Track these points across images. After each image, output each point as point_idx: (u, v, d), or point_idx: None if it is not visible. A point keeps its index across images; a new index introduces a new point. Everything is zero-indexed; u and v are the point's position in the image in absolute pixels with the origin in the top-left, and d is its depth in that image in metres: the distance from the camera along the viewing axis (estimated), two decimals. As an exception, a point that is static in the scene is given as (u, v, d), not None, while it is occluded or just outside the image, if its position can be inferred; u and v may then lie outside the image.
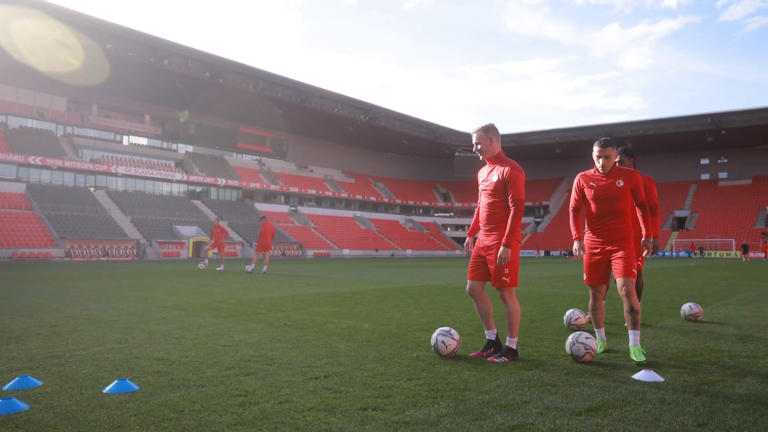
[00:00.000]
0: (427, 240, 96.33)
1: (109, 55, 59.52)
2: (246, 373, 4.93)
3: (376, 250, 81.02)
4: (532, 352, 6.06)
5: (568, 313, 7.90)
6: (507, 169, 5.76)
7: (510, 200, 5.71)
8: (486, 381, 4.71)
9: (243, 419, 3.66)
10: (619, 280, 5.72)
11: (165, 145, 79.66)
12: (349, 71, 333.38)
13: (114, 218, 60.46)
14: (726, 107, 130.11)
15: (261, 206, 79.92)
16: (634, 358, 5.43)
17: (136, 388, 4.38)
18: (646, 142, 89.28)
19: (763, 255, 65.20)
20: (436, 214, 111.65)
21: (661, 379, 4.76)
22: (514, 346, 5.71)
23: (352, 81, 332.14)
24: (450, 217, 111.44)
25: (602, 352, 6.03)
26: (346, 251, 76.35)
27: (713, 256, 76.16)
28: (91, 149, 69.84)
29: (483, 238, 5.93)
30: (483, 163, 6.09)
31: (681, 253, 79.34)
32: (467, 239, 6.28)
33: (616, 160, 6.08)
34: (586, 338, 5.51)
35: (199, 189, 77.35)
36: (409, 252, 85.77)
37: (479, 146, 5.92)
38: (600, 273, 6.02)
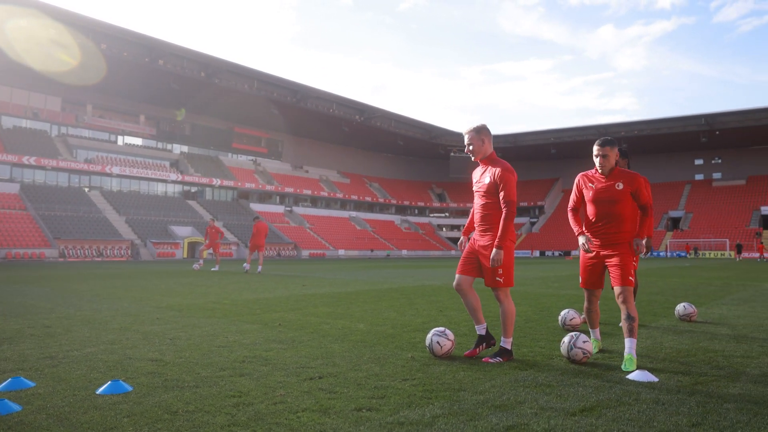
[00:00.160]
0: (422, 240, 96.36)
1: (104, 55, 59.36)
2: (240, 374, 4.92)
3: (372, 251, 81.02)
4: (527, 352, 6.06)
5: (563, 313, 7.90)
6: (498, 170, 5.75)
7: (502, 201, 5.70)
8: (481, 381, 4.71)
9: (237, 420, 3.65)
10: (616, 289, 5.59)
11: (160, 145, 79.52)
12: (344, 71, 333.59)
13: (108, 218, 60.33)
14: (720, 108, 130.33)
15: (256, 206, 79.85)
16: (623, 367, 5.21)
17: (130, 389, 4.37)
18: (640, 143, 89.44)
19: (757, 255, 65.37)
20: (432, 215, 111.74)
21: (656, 379, 4.77)
22: (508, 347, 5.70)
23: (348, 81, 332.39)
24: (445, 217, 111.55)
25: (597, 353, 6.03)
26: (341, 252, 76.32)
27: (707, 256, 76.33)
28: (86, 149, 69.68)
29: (478, 238, 5.92)
30: (477, 164, 6.08)
31: (682, 254, 79.43)
32: (461, 238, 6.27)
33: (617, 160, 5.97)
34: (584, 342, 5.47)
35: (194, 189, 77.28)
36: (404, 252, 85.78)
37: (471, 147, 5.91)
38: (595, 277, 5.93)
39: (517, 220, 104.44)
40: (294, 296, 12.60)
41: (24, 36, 54.39)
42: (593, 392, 4.38)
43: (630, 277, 5.56)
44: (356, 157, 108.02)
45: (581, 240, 6.03)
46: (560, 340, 5.99)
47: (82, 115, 70.62)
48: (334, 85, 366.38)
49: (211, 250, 27.15)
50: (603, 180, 5.81)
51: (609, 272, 5.74)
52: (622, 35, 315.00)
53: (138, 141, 76.98)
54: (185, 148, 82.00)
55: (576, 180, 6.13)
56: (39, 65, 57.70)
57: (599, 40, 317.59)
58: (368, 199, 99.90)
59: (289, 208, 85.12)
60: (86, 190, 66.18)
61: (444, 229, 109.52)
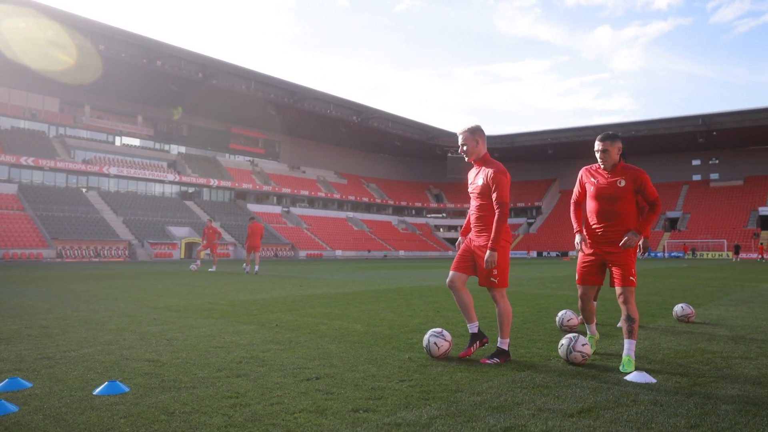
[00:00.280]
0: (419, 241, 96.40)
1: (102, 55, 59.38)
2: (237, 375, 4.91)
3: (369, 251, 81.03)
4: (525, 353, 6.05)
5: (560, 314, 7.89)
6: (491, 171, 5.73)
7: (494, 203, 5.69)
8: (478, 382, 4.70)
9: (234, 421, 3.64)
10: (617, 289, 5.52)
11: (157, 145, 79.54)
12: (341, 72, 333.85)
13: (106, 219, 60.32)
14: (717, 108, 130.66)
15: (253, 207, 79.88)
16: (621, 369, 5.18)
17: (127, 389, 4.36)
18: (637, 143, 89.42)
19: (755, 256, 65.47)
20: (429, 215, 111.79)
21: (654, 381, 4.76)
22: (505, 347, 5.68)
23: (345, 82, 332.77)
24: (442, 217, 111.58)
25: (594, 352, 6.01)
26: (338, 252, 76.33)
27: (705, 256, 76.38)
28: (84, 150, 69.69)
29: (474, 238, 5.92)
30: (473, 165, 6.07)
31: (680, 255, 79.48)
32: (459, 239, 6.27)
33: (619, 155, 5.83)
34: (583, 345, 5.45)
35: (191, 190, 77.28)
36: (401, 253, 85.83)
37: (465, 148, 5.90)
38: (592, 274, 5.81)
39: (515, 220, 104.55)
40: (291, 297, 12.59)
41: (22, 36, 54.38)
42: (591, 393, 4.37)
43: (631, 278, 5.49)
44: (353, 158, 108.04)
45: (577, 239, 5.98)
46: (558, 341, 5.98)
47: (80, 116, 70.59)
48: (332, 86, 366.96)
49: (208, 251, 27.14)
50: (606, 176, 5.68)
51: (610, 272, 5.66)
52: (618, 36, 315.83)
53: (135, 142, 77.00)
54: (183, 149, 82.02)
55: (579, 174, 6.01)
56: (37, 66, 57.67)
57: (596, 40, 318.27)
58: (365, 199, 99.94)
59: (286, 209, 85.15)
60: (84, 190, 66.18)
61: (441, 229, 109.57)
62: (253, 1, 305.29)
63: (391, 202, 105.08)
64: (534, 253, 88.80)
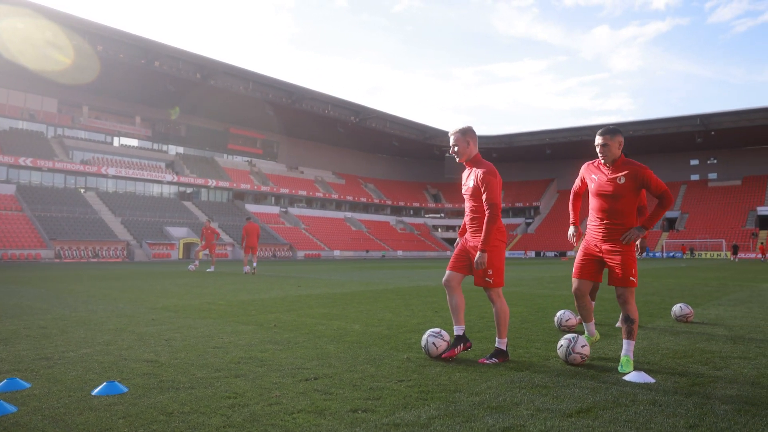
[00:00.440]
0: (417, 241, 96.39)
1: (99, 56, 59.33)
2: (236, 375, 4.91)
3: (367, 251, 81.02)
4: (523, 353, 6.05)
5: (558, 314, 7.88)
6: (480, 173, 5.73)
7: (485, 204, 5.69)
8: (477, 382, 4.70)
9: (232, 421, 3.64)
10: (617, 289, 5.46)
11: (155, 146, 79.48)
12: (340, 73, 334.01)
13: (104, 219, 60.27)
14: (715, 108, 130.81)
15: (251, 207, 79.85)
16: (620, 369, 5.17)
17: (125, 390, 4.35)
18: (635, 143, 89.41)
19: (754, 255, 65.51)
20: (427, 215, 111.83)
21: (652, 381, 4.76)
22: (504, 347, 5.68)
23: (343, 82, 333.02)
24: (440, 218, 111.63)
25: (593, 351, 6.00)
26: (336, 252, 76.31)
27: (703, 256, 76.41)
28: (82, 150, 69.67)
29: (469, 239, 5.94)
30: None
31: (678, 255, 79.50)
32: (457, 239, 6.27)
33: (621, 150, 5.71)
34: (582, 347, 5.43)
35: (189, 190, 77.23)
36: (399, 253, 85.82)
37: (456, 149, 5.89)
38: (589, 270, 5.73)
39: (513, 220, 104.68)
40: (289, 297, 12.58)
41: (20, 37, 54.32)
42: (590, 393, 4.37)
43: (631, 278, 5.40)
44: (351, 158, 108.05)
45: (570, 230, 6.01)
46: (556, 341, 5.98)
47: (78, 117, 70.56)
48: (330, 87, 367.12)
49: (207, 251, 27.11)
50: (607, 173, 5.57)
51: (609, 271, 5.58)
52: (616, 36, 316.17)
53: (134, 142, 76.96)
54: (181, 149, 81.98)
55: (581, 168, 5.93)
56: (35, 66, 57.68)
57: (594, 40, 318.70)
58: (363, 199, 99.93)
59: (284, 209, 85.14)
60: (82, 191, 66.16)
61: (439, 229, 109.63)
62: (251, 1, 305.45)
63: (389, 202, 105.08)
64: (532, 253, 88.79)
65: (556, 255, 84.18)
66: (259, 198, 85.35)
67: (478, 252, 5.64)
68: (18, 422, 3.61)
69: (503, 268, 5.82)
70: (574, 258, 5.97)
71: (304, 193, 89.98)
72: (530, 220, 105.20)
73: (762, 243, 67.93)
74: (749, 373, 5.08)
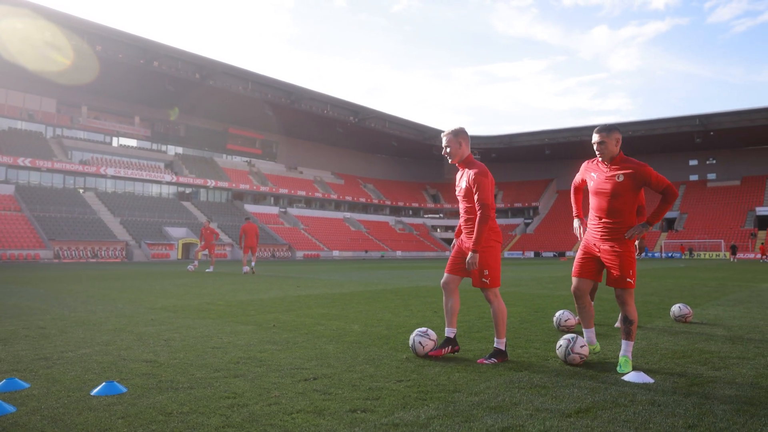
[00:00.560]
0: (416, 241, 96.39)
1: (98, 56, 59.34)
2: (235, 375, 4.91)
3: (366, 252, 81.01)
4: (522, 353, 6.05)
5: (557, 314, 7.88)
6: (472, 173, 5.75)
7: (476, 204, 5.70)
8: (476, 383, 4.71)
9: (231, 421, 3.64)
10: (615, 290, 5.43)
11: (154, 146, 79.46)
12: (339, 73, 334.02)
13: (103, 220, 60.24)
14: (714, 108, 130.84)
15: (250, 207, 79.84)
16: (618, 369, 5.16)
17: (124, 390, 4.35)
18: (634, 143, 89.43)
19: (753, 255, 65.51)
20: (426, 216, 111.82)
21: (651, 381, 4.76)
22: (502, 347, 5.69)
23: (343, 83, 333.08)
24: (439, 218, 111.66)
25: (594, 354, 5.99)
26: (335, 252, 76.31)
27: (702, 257, 76.43)
28: (81, 150, 69.65)
29: (465, 240, 5.96)
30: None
31: (677, 255, 79.52)
32: (454, 240, 6.28)
33: (619, 147, 5.64)
34: (581, 347, 5.41)
35: (188, 190, 77.20)
36: (398, 253, 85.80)
37: (449, 150, 5.92)
38: (589, 269, 5.67)
39: (512, 221, 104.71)
40: (288, 297, 12.58)
41: (19, 37, 54.33)
42: (589, 393, 4.37)
43: (628, 279, 5.34)
44: (350, 158, 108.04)
45: (575, 223, 5.99)
46: (555, 342, 5.97)
47: (77, 117, 70.52)
48: (329, 87, 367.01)
49: (206, 252, 27.09)
50: (604, 171, 5.52)
51: (606, 272, 5.53)
52: (615, 36, 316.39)
53: (132, 142, 76.94)
54: (180, 150, 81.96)
55: (582, 166, 5.89)
56: (34, 67, 57.69)
57: (593, 40, 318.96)
58: (362, 200, 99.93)
59: (283, 209, 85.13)
60: (81, 191, 66.12)
61: (438, 230, 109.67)
62: (250, 1, 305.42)
63: (388, 203, 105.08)
64: (530, 254, 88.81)
65: (555, 255, 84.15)
66: (258, 198, 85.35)
67: (470, 252, 5.67)
68: (17, 422, 3.61)
69: (499, 269, 5.84)
70: (574, 258, 5.93)
71: (303, 193, 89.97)
72: (529, 221, 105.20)
73: (762, 243, 67.85)
74: (748, 374, 5.08)
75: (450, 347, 5.90)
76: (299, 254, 70.79)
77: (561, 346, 5.51)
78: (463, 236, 6.02)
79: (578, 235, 5.94)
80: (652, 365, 5.45)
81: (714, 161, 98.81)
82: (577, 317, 7.71)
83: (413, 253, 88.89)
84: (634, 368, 5.17)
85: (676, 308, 8.71)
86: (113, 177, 69.45)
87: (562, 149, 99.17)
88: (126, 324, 8.13)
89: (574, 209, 6.01)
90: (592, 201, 5.66)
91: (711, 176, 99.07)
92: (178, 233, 63.34)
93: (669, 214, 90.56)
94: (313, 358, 5.68)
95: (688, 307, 8.69)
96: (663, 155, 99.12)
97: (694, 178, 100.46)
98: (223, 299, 12.06)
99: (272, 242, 69.91)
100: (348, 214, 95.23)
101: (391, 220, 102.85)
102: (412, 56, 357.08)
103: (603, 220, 5.51)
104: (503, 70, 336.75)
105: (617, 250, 5.41)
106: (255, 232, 23.81)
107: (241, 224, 69.40)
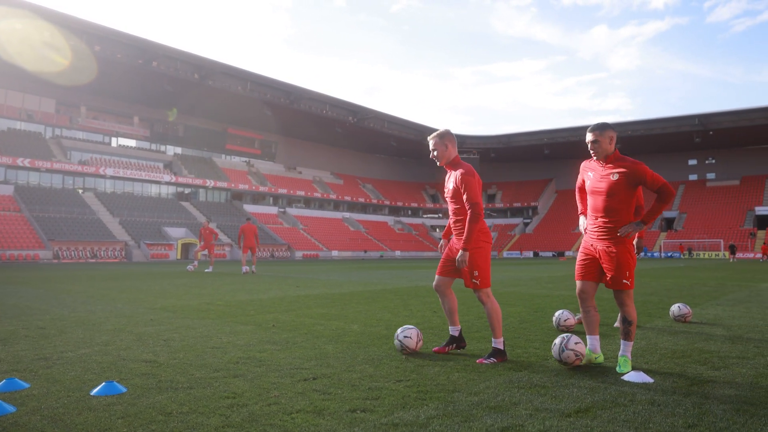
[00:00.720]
0: (415, 241, 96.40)
1: (97, 56, 59.37)
2: (234, 375, 4.91)
3: (365, 252, 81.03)
4: (522, 353, 6.05)
5: (557, 314, 7.87)
6: (458, 174, 5.79)
7: (466, 204, 5.74)
8: (475, 382, 4.70)
9: (231, 421, 3.64)
10: (614, 291, 5.37)
11: (153, 146, 79.51)
12: (338, 73, 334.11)
13: (102, 220, 60.24)
14: (713, 108, 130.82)
15: (249, 208, 79.84)
16: (618, 369, 5.14)
17: (124, 390, 4.35)
18: (634, 143, 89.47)
19: (752, 255, 65.51)
20: (425, 216, 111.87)
21: (651, 380, 4.76)
22: (501, 347, 5.69)
23: (341, 83, 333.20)
24: (439, 218, 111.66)
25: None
26: (334, 252, 76.32)
27: (702, 256, 76.41)
28: (80, 151, 69.71)
29: (455, 241, 6.00)
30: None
31: (676, 255, 79.52)
32: (441, 241, 6.31)
33: (616, 146, 5.58)
34: (576, 344, 5.31)
35: (187, 190, 77.22)
36: (397, 253, 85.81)
37: (435, 153, 5.99)
38: (590, 270, 5.55)
39: (511, 220, 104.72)
40: (288, 297, 12.58)
41: (18, 38, 54.34)
42: (588, 393, 4.37)
43: (625, 280, 5.27)
44: (349, 158, 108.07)
45: (581, 221, 5.92)
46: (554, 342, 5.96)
47: (76, 117, 70.51)
48: (328, 87, 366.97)
49: (205, 252, 27.08)
50: (600, 170, 5.47)
51: (605, 272, 5.42)
52: (615, 35, 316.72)
53: (132, 142, 76.99)
54: (179, 150, 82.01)
55: (581, 166, 5.83)
56: (33, 67, 57.68)
57: (592, 40, 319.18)
58: (361, 200, 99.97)
59: (282, 210, 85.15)
60: (80, 191, 66.14)
61: (437, 230, 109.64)
62: (249, 1, 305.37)
63: (387, 203, 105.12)
64: (529, 254, 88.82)
65: (554, 255, 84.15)
66: (258, 198, 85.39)
67: (460, 251, 5.71)
68: (17, 422, 3.61)
69: (489, 269, 5.87)
70: (573, 258, 5.92)
71: (302, 193, 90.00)
72: (528, 220, 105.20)
73: (764, 243, 67.85)
74: (747, 373, 5.08)
75: (455, 344, 5.99)
76: (298, 254, 70.79)
77: (555, 344, 5.42)
78: (453, 238, 6.06)
79: (583, 233, 5.93)
80: (652, 365, 5.45)
81: (713, 161, 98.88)
82: (577, 317, 7.71)
83: (412, 253, 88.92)
84: (634, 368, 5.17)
85: (675, 308, 8.70)
86: (112, 177, 69.48)
87: (562, 149, 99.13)
88: (125, 324, 8.13)
89: (579, 207, 5.98)
90: (590, 200, 5.62)
91: (710, 176, 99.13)
92: (178, 233, 63.35)
93: (668, 214, 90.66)
94: (313, 358, 5.68)
95: (688, 307, 8.68)
96: (662, 155, 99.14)
97: (693, 177, 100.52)
98: (223, 299, 12.06)
99: (271, 242, 69.91)
100: (347, 214, 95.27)
101: (390, 220, 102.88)
102: (411, 56, 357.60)
103: (600, 219, 5.46)
104: (502, 70, 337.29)
105: (613, 250, 5.33)
106: (254, 233, 23.80)
107: (241, 224, 69.86)
